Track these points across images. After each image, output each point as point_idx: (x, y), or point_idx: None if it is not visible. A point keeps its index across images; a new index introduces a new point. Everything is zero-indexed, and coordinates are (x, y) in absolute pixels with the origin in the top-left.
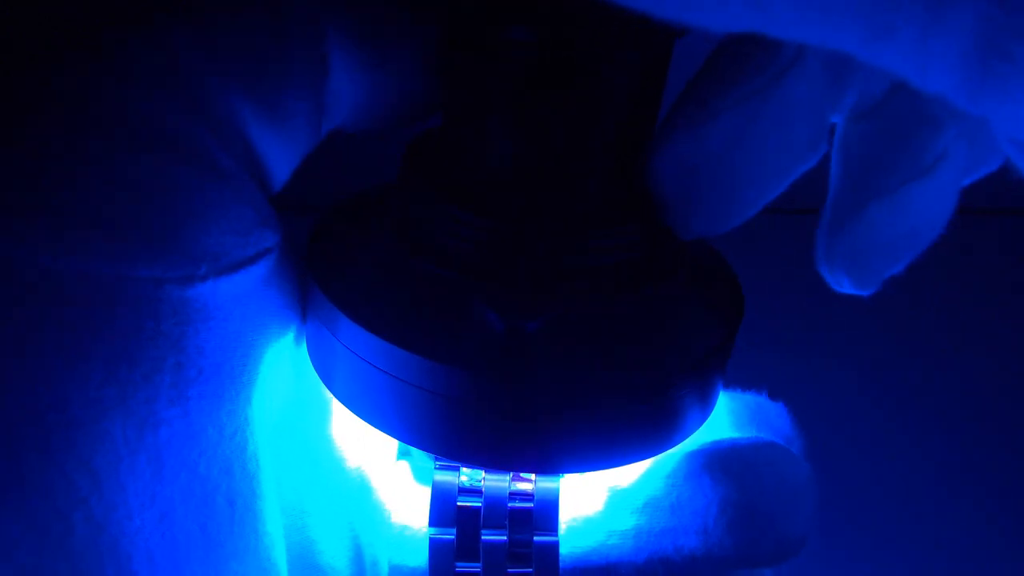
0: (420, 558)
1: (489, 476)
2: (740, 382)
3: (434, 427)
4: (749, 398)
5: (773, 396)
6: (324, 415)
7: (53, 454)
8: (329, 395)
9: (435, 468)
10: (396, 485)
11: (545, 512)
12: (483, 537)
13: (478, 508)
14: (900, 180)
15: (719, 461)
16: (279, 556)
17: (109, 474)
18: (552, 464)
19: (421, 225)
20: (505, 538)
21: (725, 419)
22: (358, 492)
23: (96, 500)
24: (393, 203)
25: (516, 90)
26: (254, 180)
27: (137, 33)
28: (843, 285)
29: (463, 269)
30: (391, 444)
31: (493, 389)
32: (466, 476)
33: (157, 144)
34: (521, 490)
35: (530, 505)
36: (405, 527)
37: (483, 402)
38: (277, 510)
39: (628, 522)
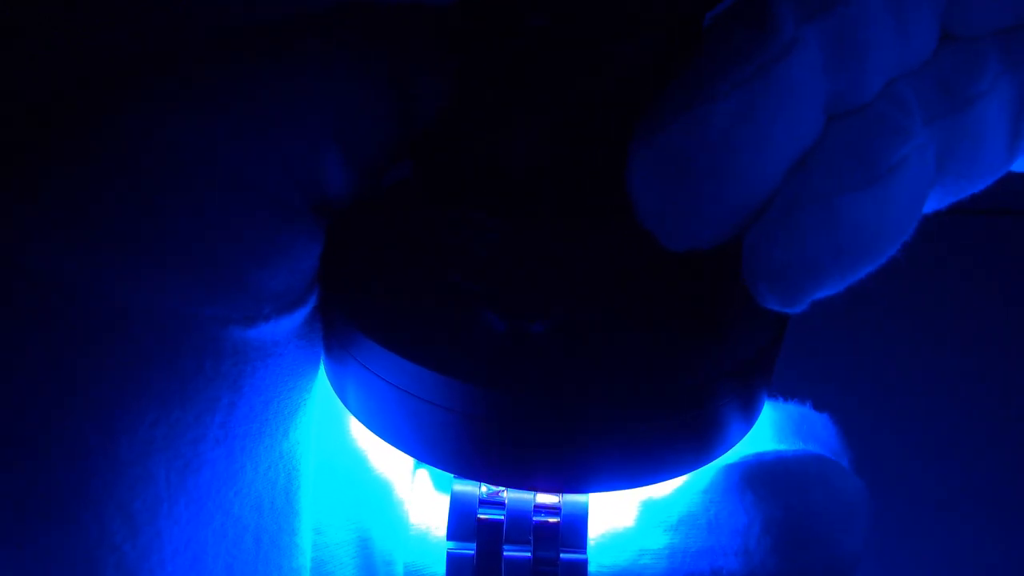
0: (439, 564)
1: None
2: (781, 391)
3: (450, 445)
4: (792, 408)
5: (818, 407)
6: (345, 416)
7: (92, 499)
8: None
9: (454, 477)
10: (416, 489)
11: (573, 527)
12: (505, 553)
13: (500, 521)
14: (837, 188)
15: (761, 476)
16: None
17: (147, 520)
18: (579, 483)
19: (431, 230)
20: (529, 555)
21: (767, 431)
22: (377, 493)
23: (130, 547)
24: (403, 209)
25: (526, 76)
26: (315, 213)
27: (222, 83)
28: (766, 300)
29: (473, 273)
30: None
31: (511, 405)
32: (487, 487)
33: (230, 185)
34: (547, 503)
35: (557, 519)
36: (425, 531)
37: (501, 419)
38: (307, 537)
39: (661, 540)
